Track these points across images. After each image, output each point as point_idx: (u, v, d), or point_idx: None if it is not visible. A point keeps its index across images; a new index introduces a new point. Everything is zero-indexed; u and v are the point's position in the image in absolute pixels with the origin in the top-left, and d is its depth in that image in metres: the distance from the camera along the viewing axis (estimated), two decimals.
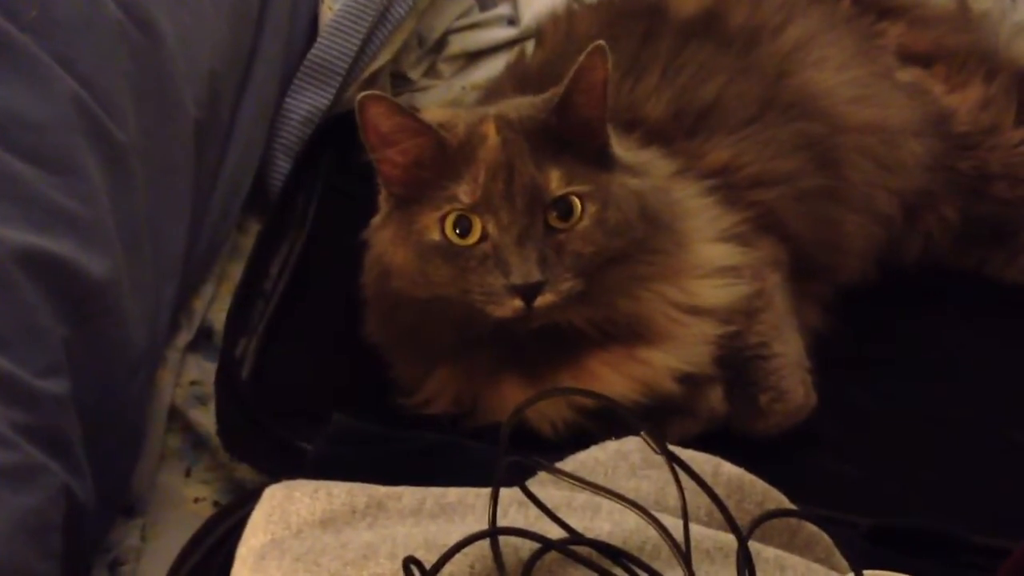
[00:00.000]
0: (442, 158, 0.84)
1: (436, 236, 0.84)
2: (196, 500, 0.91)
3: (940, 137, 1.14)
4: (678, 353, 0.89)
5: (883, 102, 1.11)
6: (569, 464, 0.68)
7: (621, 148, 0.92)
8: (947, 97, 1.18)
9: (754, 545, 0.58)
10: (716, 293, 0.92)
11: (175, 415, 0.95)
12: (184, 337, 0.99)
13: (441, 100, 1.23)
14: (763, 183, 1.01)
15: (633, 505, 0.57)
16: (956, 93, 1.19)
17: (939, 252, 1.16)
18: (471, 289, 0.83)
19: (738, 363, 0.94)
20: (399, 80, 1.25)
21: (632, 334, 0.89)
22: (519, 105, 0.89)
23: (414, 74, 1.26)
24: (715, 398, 0.93)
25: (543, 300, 0.82)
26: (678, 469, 0.60)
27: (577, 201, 0.84)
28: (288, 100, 1.13)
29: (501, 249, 0.82)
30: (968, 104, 1.18)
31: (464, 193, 0.83)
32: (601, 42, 0.84)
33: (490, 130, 0.85)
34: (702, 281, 0.92)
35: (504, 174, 0.83)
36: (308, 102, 1.13)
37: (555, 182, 0.84)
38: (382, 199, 0.89)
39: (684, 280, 0.91)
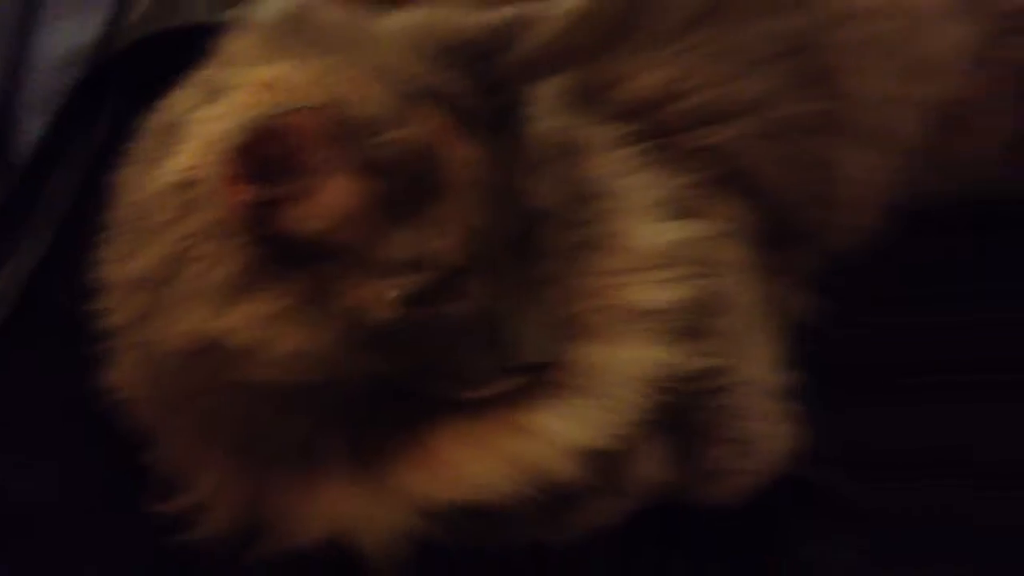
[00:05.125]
0: (374, 187, 0.52)
1: (388, 314, 0.53)
2: None
3: (983, 17, 0.84)
4: (584, 415, 0.59)
5: None
6: None
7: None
8: None
9: None
10: (653, 295, 0.62)
11: None
12: None
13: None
14: (717, 116, 0.71)
15: None
16: None
17: (990, 181, 0.86)
18: (430, 369, 0.55)
19: (679, 402, 0.63)
20: None
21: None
22: (407, 54, 0.55)
23: None
24: (652, 463, 0.64)
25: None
26: None
27: (549, 207, 0.56)
28: (37, 37, 0.83)
29: (500, 319, 0.54)
30: None
31: (444, 249, 0.52)
32: None
33: (441, 128, 0.53)
34: (632, 276, 0.62)
35: (497, 204, 0.53)
36: (65, 37, 0.82)
37: (545, 195, 0.55)
38: (222, 249, 0.53)
39: (615, 261, 0.62)
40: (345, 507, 0.58)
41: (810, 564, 0.65)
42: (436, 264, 0.52)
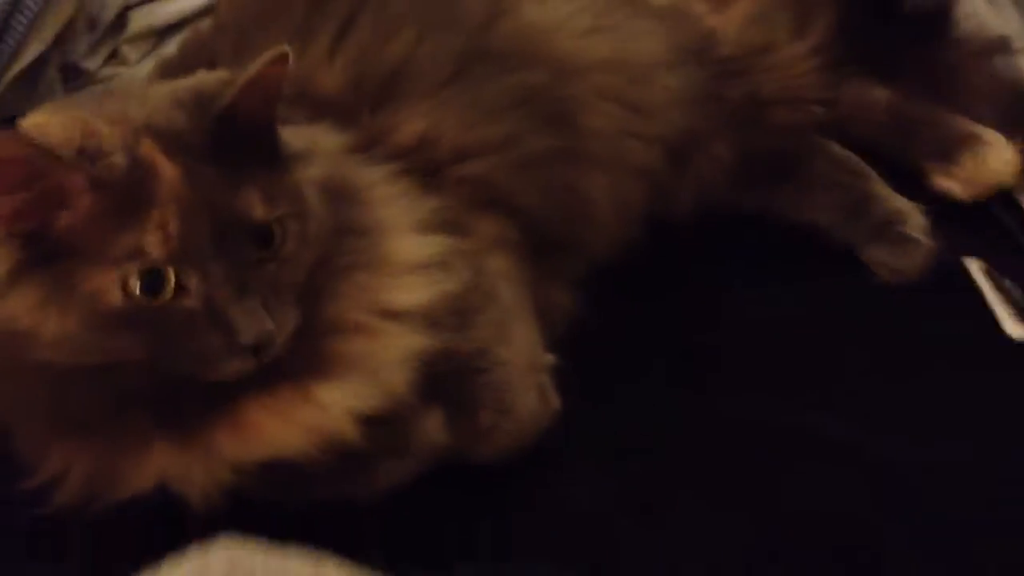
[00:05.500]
0: (101, 198, 0.65)
1: (117, 300, 0.66)
2: None
3: (702, 65, 0.99)
4: (363, 386, 0.72)
5: (624, 32, 0.95)
6: None
7: (294, 140, 0.74)
8: (711, 17, 1.04)
9: None
10: (419, 291, 0.75)
11: None
12: None
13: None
14: (471, 154, 0.84)
15: None
16: (721, 11, 1.05)
17: (718, 198, 1.02)
18: (176, 355, 0.67)
19: (453, 379, 0.78)
20: (72, 73, 1.05)
21: (315, 362, 0.72)
22: (158, 105, 0.70)
23: (91, 64, 1.06)
24: (432, 428, 0.77)
25: (274, 349, 0.68)
26: None
27: (279, 224, 0.69)
28: None
29: (218, 305, 0.66)
30: (735, 22, 1.05)
31: (153, 245, 0.65)
32: (284, 48, 0.67)
33: (156, 154, 0.67)
34: (403, 277, 0.76)
35: (200, 212, 0.66)
36: None
37: (258, 208, 0.68)
38: None
39: (382, 274, 0.75)
40: (168, 465, 0.70)
41: (576, 512, 0.78)
42: (145, 256, 0.65)
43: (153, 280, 0.65)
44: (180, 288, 0.66)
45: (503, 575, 0.73)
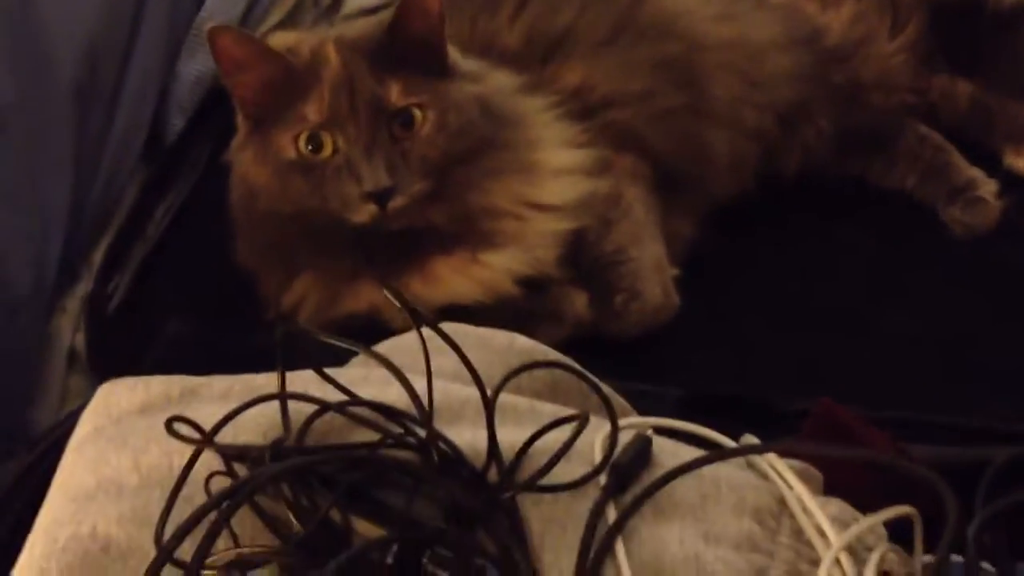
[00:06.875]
0: (290, 81, 0.90)
1: (292, 154, 0.90)
2: None
3: (811, 51, 1.18)
4: (519, 256, 0.94)
5: (746, 20, 1.15)
6: (383, 345, 0.74)
7: (467, 64, 0.97)
8: (821, 15, 1.23)
9: (508, 397, 0.64)
10: (563, 190, 0.97)
11: (76, 358, 1.02)
12: (84, 287, 1.05)
13: None
14: (617, 102, 1.05)
15: (386, 363, 0.63)
16: (829, 11, 1.23)
17: (819, 162, 1.19)
18: (329, 199, 0.90)
19: (597, 270, 0.98)
20: None
21: (479, 235, 0.94)
22: (358, 26, 0.96)
23: None
24: (580, 304, 0.97)
25: (395, 203, 0.89)
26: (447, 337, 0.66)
27: (417, 111, 0.91)
28: (180, 64, 1.20)
29: (352, 160, 0.89)
30: (841, 20, 1.22)
31: (312, 112, 0.90)
32: None
33: (330, 51, 0.91)
34: (549, 179, 0.97)
35: (347, 91, 0.90)
36: (198, 65, 1.19)
37: (395, 94, 0.90)
38: (240, 122, 0.95)
39: (531, 176, 0.97)
40: (376, 298, 0.91)
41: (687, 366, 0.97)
42: (307, 121, 0.89)
43: (315, 140, 0.90)
44: (335, 149, 0.89)
45: None
